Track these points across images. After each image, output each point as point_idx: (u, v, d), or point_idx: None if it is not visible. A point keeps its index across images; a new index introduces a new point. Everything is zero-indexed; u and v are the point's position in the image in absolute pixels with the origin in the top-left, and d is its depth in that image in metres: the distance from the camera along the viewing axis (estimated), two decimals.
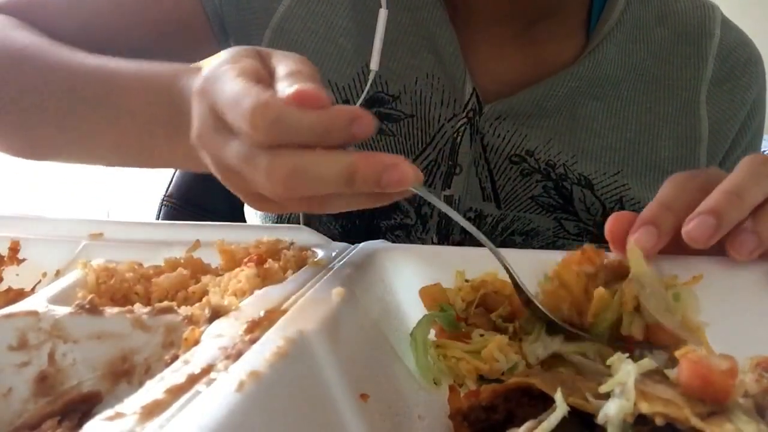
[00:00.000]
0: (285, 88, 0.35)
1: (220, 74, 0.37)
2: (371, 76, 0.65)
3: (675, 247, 0.46)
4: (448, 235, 0.70)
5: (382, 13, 0.64)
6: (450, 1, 0.67)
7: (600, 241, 0.69)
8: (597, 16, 0.69)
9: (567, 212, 0.69)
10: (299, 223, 0.70)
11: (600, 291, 0.39)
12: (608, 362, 0.31)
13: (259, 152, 0.35)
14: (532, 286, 0.44)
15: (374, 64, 0.65)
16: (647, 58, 0.69)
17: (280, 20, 0.68)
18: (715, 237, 0.41)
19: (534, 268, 0.47)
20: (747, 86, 0.72)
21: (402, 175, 0.36)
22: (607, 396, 0.27)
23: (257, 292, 0.37)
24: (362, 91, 0.67)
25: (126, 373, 0.36)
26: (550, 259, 0.48)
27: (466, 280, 0.44)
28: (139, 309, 0.38)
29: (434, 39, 0.67)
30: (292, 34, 0.67)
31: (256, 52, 0.41)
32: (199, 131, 0.39)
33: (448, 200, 0.69)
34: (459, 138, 0.68)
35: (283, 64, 0.39)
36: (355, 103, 0.67)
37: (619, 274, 0.41)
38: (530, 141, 0.68)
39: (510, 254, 0.49)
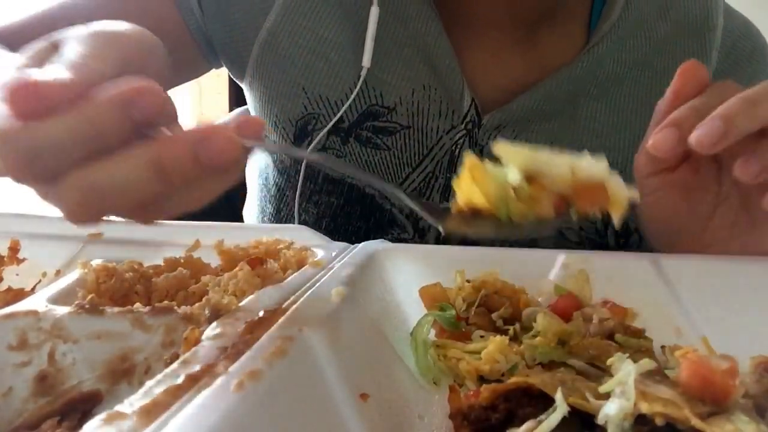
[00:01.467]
0: None
1: None
2: (363, 73, 0.64)
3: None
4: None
5: (374, 11, 0.63)
6: (447, 8, 0.66)
7: (601, 247, 0.68)
8: (599, 14, 0.68)
9: (567, 221, 0.68)
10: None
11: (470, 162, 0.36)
12: (608, 362, 0.31)
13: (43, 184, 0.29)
14: (537, 285, 0.45)
15: (366, 61, 0.64)
16: (649, 52, 0.68)
17: (267, 36, 0.66)
18: (723, 143, 0.41)
19: (535, 267, 0.47)
20: (752, 76, 0.71)
21: (223, 145, 0.29)
22: (607, 396, 0.27)
23: (257, 292, 0.37)
24: (356, 107, 0.66)
25: (126, 373, 0.36)
26: (550, 259, 0.48)
27: (467, 281, 0.44)
28: (139, 309, 0.38)
29: (429, 50, 0.65)
30: (279, 49, 0.67)
31: (51, 48, 0.34)
32: None
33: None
34: (457, 150, 0.66)
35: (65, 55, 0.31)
36: (351, 112, 0.66)
37: None
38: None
39: (509, 254, 0.49)
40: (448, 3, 0.65)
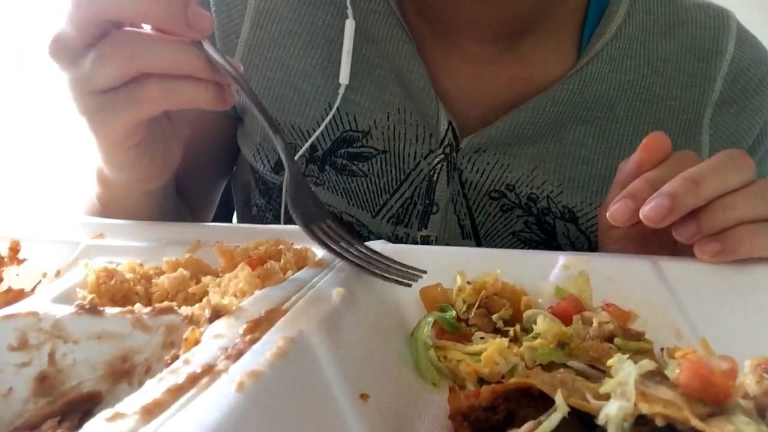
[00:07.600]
0: None
1: None
2: (341, 90, 0.62)
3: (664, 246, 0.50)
4: None
5: (349, 25, 0.61)
6: (423, 21, 0.63)
7: None
8: (591, 31, 0.64)
9: (550, 247, 0.65)
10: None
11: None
12: (608, 363, 0.31)
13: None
14: (538, 287, 0.45)
15: (343, 78, 0.62)
16: (648, 74, 0.64)
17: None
18: (669, 219, 0.44)
19: (535, 268, 0.47)
20: (757, 109, 0.67)
21: (202, 13, 0.43)
22: (607, 397, 0.27)
23: (257, 293, 0.37)
24: (329, 134, 0.64)
25: (126, 373, 0.36)
26: (550, 260, 0.48)
27: (468, 282, 0.44)
28: (140, 309, 0.38)
29: (402, 73, 0.63)
30: (251, 82, 0.65)
31: None
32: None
33: (426, 241, 0.65)
34: (435, 176, 0.64)
35: None
36: (324, 140, 0.65)
37: None
38: (512, 172, 0.64)
39: (510, 255, 0.49)
40: (424, 15, 0.63)
